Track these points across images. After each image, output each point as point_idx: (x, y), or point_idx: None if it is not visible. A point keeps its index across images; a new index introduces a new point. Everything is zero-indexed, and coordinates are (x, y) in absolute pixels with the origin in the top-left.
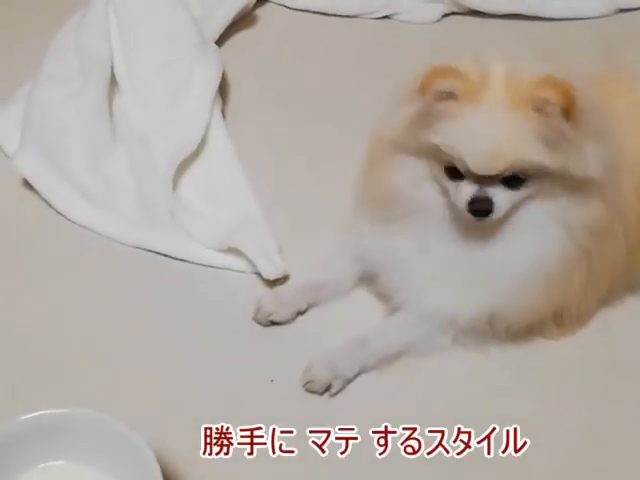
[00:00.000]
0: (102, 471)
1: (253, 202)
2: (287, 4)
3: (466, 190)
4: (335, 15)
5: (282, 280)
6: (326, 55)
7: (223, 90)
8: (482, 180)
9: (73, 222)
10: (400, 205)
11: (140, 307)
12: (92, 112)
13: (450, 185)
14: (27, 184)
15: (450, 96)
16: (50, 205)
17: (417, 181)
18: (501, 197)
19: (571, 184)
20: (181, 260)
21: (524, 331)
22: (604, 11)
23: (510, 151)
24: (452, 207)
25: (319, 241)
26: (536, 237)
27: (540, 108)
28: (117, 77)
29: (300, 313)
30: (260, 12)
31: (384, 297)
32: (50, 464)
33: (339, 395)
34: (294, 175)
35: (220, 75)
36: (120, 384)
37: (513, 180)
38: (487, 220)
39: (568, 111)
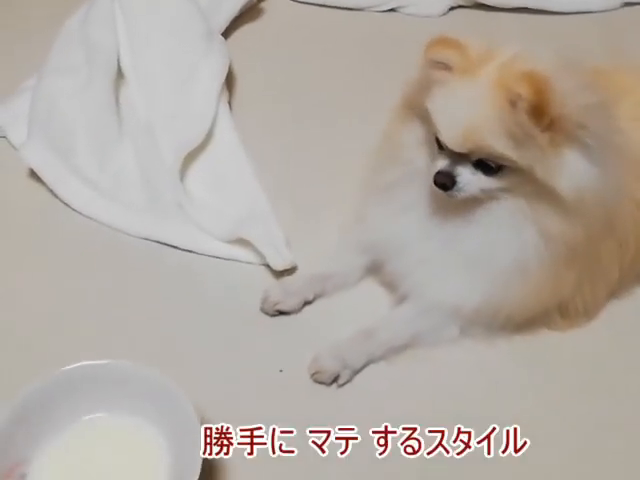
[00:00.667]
0: (143, 421)
1: (260, 193)
2: None
3: (438, 163)
4: (341, 8)
5: (290, 271)
6: (332, 48)
7: (229, 82)
8: (456, 157)
9: (80, 213)
10: (404, 166)
11: (146, 298)
12: (98, 104)
13: (435, 155)
14: (34, 175)
15: (445, 66)
16: (57, 196)
17: (418, 144)
18: (467, 177)
19: (545, 190)
20: (188, 251)
21: (529, 323)
22: (610, 5)
23: (477, 135)
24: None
25: (325, 232)
26: (512, 234)
27: (513, 102)
28: (123, 69)
29: (307, 303)
30: (266, 5)
31: (391, 286)
32: (93, 416)
33: (346, 386)
34: (300, 166)
35: (227, 67)
36: None
37: (485, 165)
38: (450, 195)
39: (538, 112)
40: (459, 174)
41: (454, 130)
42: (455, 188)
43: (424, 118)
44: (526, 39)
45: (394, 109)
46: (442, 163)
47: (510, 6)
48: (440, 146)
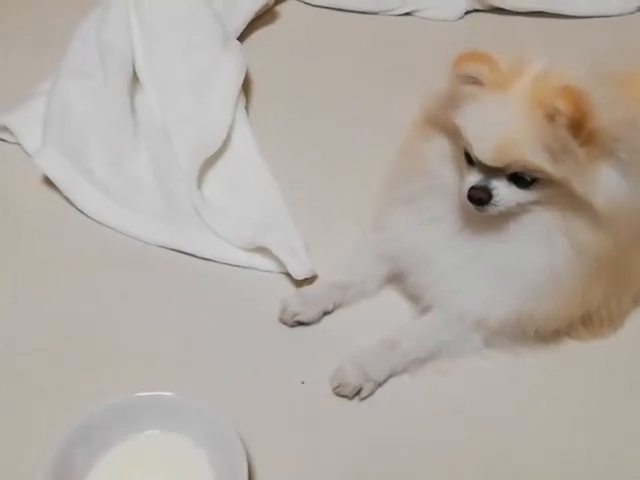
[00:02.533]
0: (195, 445)
1: (279, 200)
2: (308, 0)
3: (470, 177)
4: (356, 12)
5: (310, 279)
6: (347, 52)
7: (245, 86)
8: (489, 171)
9: (94, 220)
10: (430, 180)
11: (163, 307)
12: (113, 108)
13: (465, 170)
14: (48, 181)
15: (476, 81)
16: (71, 203)
17: (444, 158)
18: (503, 191)
19: (579, 202)
20: (205, 259)
21: (554, 333)
22: (626, 9)
23: (513, 150)
24: (458, 194)
25: (344, 240)
26: (545, 246)
27: (551, 116)
28: (138, 73)
29: (326, 313)
30: (281, 8)
31: (413, 297)
32: (148, 432)
33: (368, 399)
34: (318, 172)
35: (244, 72)
36: (145, 386)
37: (520, 179)
38: (485, 210)
39: (577, 126)
40: (495, 187)
41: (489, 145)
42: (491, 202)
43: (451, 134)
44: (542, 43)
45: (414, 124)
46: (475, 178)
47: (526, 10)
48: (470, 161)
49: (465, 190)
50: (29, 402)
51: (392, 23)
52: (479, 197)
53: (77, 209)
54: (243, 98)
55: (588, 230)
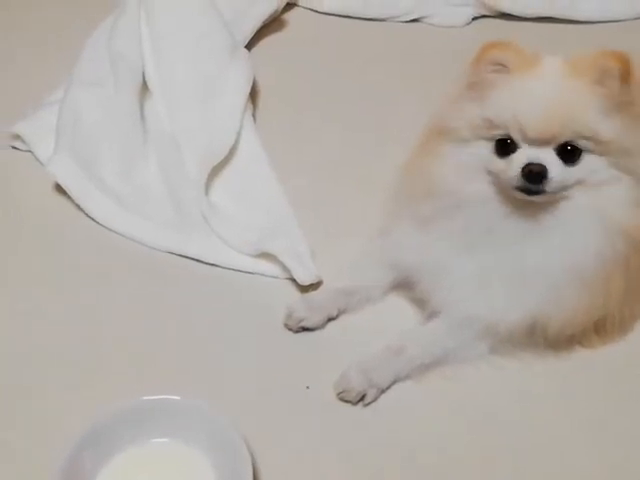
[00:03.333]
0: (200, 451)
1: (285, 207)
2: (316, 8)
3: (519, 158)
4: (364, 19)
5: (315, 286)
6: (355, 59)
7: (252, 94)
8: (534, 149)
9: (104, 226)
10: (444, 198)
11: (170, 313)
12: (124, 117)
13: (500, 163)
14: (59, 188)
15: (503, 69)
16: (82, 210)
17: (463, 171)
18: (555, 166)
19: (621, 168)
20: (212, 265)
21: (564, 341)
22: (636, 13)
23: (566, 113)
24: (501, 188)
25: (350, 246)
26: (575, 238)
27: (599, 79)
28: (148, 81)
29: (331, 319)
30: (289, 16)
31: (420, 303)
32: (155, 435)
33: (372, 405)
34: (325, 179)
35: (251, 81)
36: (150, 390)
37: (568, 153)
38: (540, 191)
39: (628, 78)
40: (548, 163)
41: (540, 115)
42: (547, 181)
43: (470, 134)
44: (551, 49)
45: (419, 143)
46: (525, 156)
47: (534, 15)
48: (505, 151)
49: (517, 169)
50: (37, 406)
51: (400, 30)
52: (538, 171)
53: (88, 216)
54: (250, 106)
55: (624, 208)
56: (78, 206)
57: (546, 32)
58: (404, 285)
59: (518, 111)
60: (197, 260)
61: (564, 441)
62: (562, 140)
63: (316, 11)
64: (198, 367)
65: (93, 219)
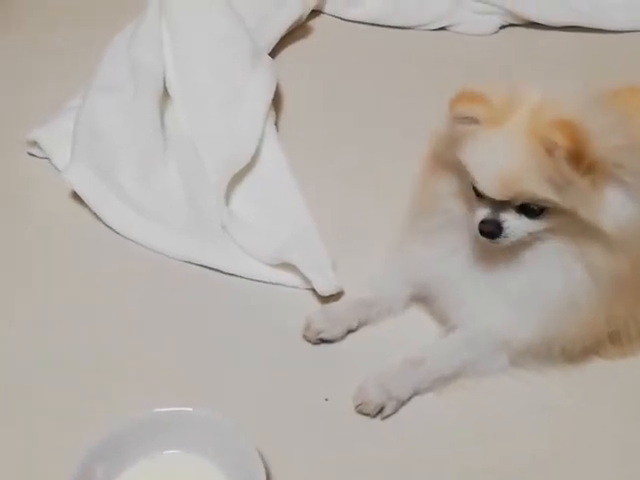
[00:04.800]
0: (213, 463)
1: (307, 216)
2: (341, 15)
3: (480, 212)
4: (391, 27)
5: (336, 297)
6: (381, 67)
7: (276, 101)
8: (497, 204)
9: (122, 235)
10: (437, 216)
11: (187, 322)
12: (143, 122)
13: (475, 205)
14: (77, 196)
15: (472, 120)
16: (99, 218)
17: (452, 195)
18: (513, 223)
19: (590, 228)
20: (230, 274)
21: (582, 353)
22: None
23: (518, 183)
24: (470, 228)
25: (372, 257)
26: (560, 272)
27: (550, 150)
28: (169, 88)
29: (351, 331)
30: (314, 23)
31: (439, 316)
32: (168, 447)
33: (391, 417)
34: (347, 188)
35: (274, 88)
36: (165, 402)
37: (528, 209)
38: (498, 242)
39: (576, 158)
40: (505, 220)
41: (493, 180)
42: (502, 235)
43: (457, 170)
44: (578, 58)
45: (425, 160)
46: (484, 212)
47: (562, 24)
48: (479, 195)
49: (476, 224)
50: (49, 417)
51: (426, 38)
52: (490, 230)
53: (105, 224)
54: (273, 113)
55: (601, 254)
56: (95, 214)
57: (574, 41)
58: (423, 299)
59: (476, 174)
60: (215, 269)
61: (586, 453)
62: (519, 202)
63: (342, 18)
64: (214, 378)
65: (110, 227)
